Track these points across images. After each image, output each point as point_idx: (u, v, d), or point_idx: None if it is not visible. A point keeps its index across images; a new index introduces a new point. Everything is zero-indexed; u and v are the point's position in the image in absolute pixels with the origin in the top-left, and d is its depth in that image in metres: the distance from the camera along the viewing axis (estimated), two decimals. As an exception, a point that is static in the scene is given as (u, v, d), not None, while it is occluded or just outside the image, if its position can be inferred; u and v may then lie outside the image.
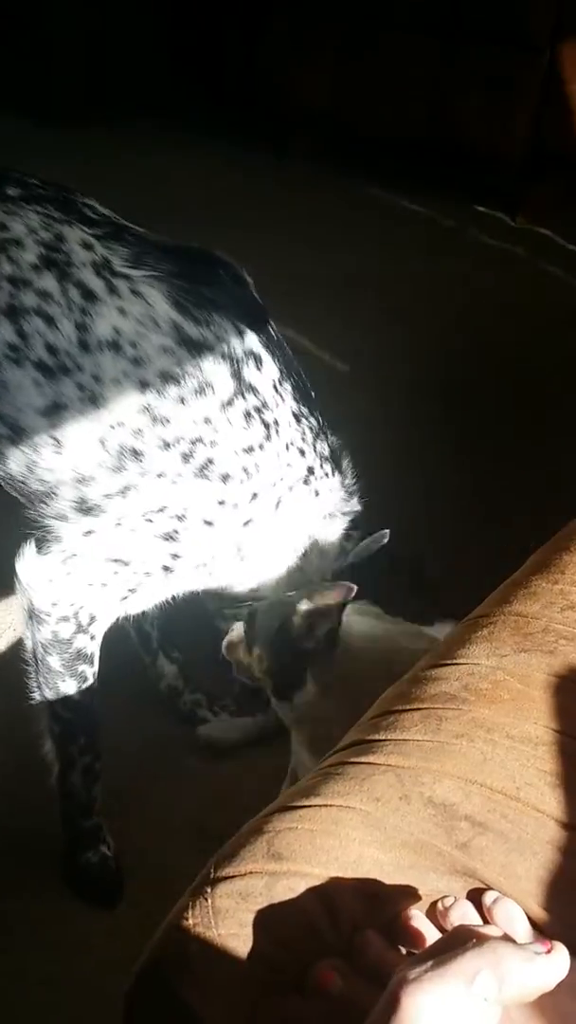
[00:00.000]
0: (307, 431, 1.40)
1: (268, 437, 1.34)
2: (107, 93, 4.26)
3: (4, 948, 1.46)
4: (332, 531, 1.50)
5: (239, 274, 1.38)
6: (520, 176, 3.68)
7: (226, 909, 0.76)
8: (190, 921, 0.76)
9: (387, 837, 0.79)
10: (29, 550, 1.35)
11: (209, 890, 0.77)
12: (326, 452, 1.44)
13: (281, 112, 4.03)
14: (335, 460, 1.47)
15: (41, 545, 1.35)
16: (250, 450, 1.32)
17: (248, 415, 1.31)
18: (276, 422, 1.34)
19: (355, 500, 1.51)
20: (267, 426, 1.33)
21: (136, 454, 1.28)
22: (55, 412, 1.27)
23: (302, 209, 3.69)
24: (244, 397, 1.31)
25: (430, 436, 2.50)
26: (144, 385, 1.27)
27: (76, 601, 1.35)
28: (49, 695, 1.42)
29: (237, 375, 1.30)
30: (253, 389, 1.31)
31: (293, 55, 3.89)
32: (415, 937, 0.75)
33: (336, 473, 1.47)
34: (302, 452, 1.40)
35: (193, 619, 1.45)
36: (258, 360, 1.32)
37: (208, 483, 1.31)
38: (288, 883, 0.77)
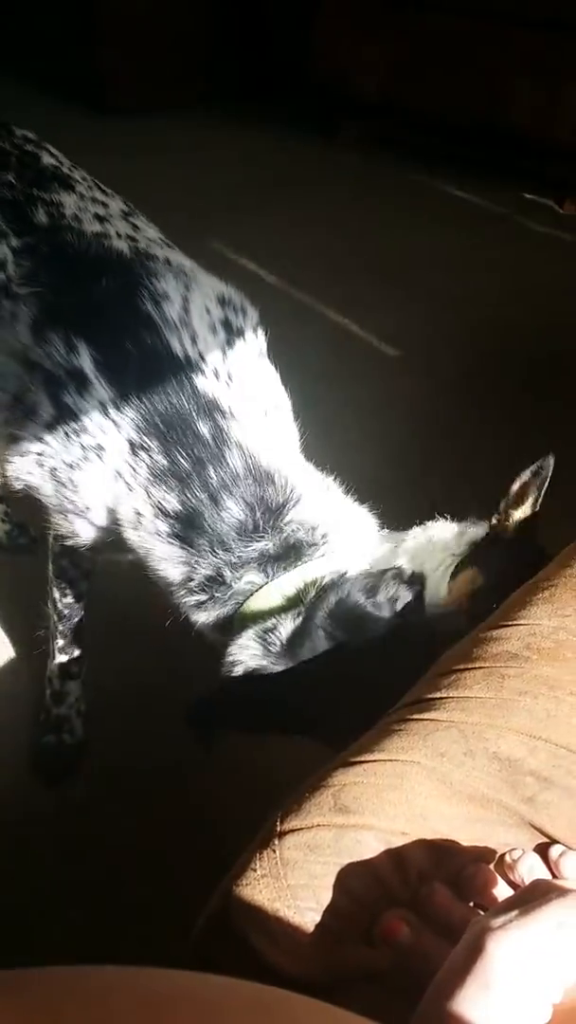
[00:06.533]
0: (142, 466, 1.26)
1: (87, 459, 1.28)
2: (156, 80, 4.29)
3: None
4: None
5: (135, 280, 1.31)
6: (569, 163, 3.65)
7: (294, 860, 0.77)
8: (258, 872, 0.77)
9: (453, 791, 0.79)
10: None
11: (276, 842, 0.78)
12: (167, 501, 1.26)
13: (332, 97, 4.03)
14: (188, 519, 1.25)
15: None
16: (73, 466, 1.30)
17: (67, 436, 1.28)
18: (100, 447, 1.27)
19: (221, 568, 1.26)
20: (85, 449, 1.28)
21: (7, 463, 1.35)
22: None
23: (350, 194, 3.70)
24: (65, 420, 1.28)
25: (479, 418, 2.50)
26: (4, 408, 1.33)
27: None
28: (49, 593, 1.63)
29: (55, 398, 1.28)
30: (71, 412, 1.27)
31: (346, 39, 3.88)
32: (482, 889, 0.75)
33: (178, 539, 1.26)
34: (129, 487, 1.28)
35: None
36: (82, 383, 1.27)
37: (58, 485, 1.32)
38: (355, 836, 0.77)
